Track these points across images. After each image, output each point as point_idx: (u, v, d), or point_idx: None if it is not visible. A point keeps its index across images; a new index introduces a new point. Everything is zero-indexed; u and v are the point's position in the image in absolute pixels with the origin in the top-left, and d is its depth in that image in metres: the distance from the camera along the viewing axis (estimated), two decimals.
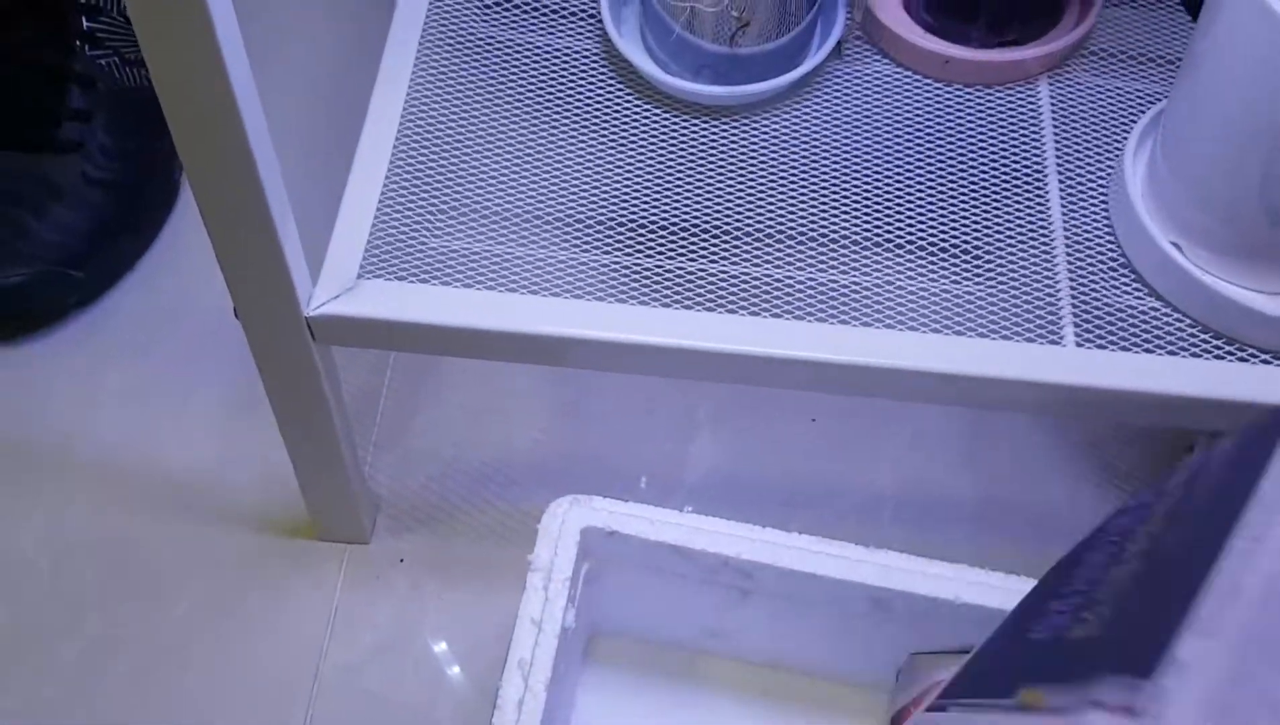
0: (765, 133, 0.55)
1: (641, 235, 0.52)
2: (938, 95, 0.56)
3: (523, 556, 0.63)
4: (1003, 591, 0.47)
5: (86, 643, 0.61)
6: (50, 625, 0.61)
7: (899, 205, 0.52)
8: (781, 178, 0.53)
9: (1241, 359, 0.48)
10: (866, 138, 0.54)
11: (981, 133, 0.54)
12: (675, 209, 0.52)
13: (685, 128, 0.55)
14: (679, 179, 0.53)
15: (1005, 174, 0.53)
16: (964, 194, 0.53)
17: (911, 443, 0.69)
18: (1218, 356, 0.48)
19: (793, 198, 0.53)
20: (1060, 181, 0.53)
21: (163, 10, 0.36)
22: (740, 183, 0.53)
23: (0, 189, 0.67)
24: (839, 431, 0.69)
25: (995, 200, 0.52)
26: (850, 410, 0.70)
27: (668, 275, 0.50)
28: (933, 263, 0.51)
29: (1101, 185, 0.53)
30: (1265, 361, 0.48)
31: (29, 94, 0.68)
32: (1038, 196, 0.52)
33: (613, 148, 0.54)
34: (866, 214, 0.52)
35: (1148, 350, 0.48)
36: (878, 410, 0.70)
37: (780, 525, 0.66)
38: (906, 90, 0.56)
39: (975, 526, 0.66)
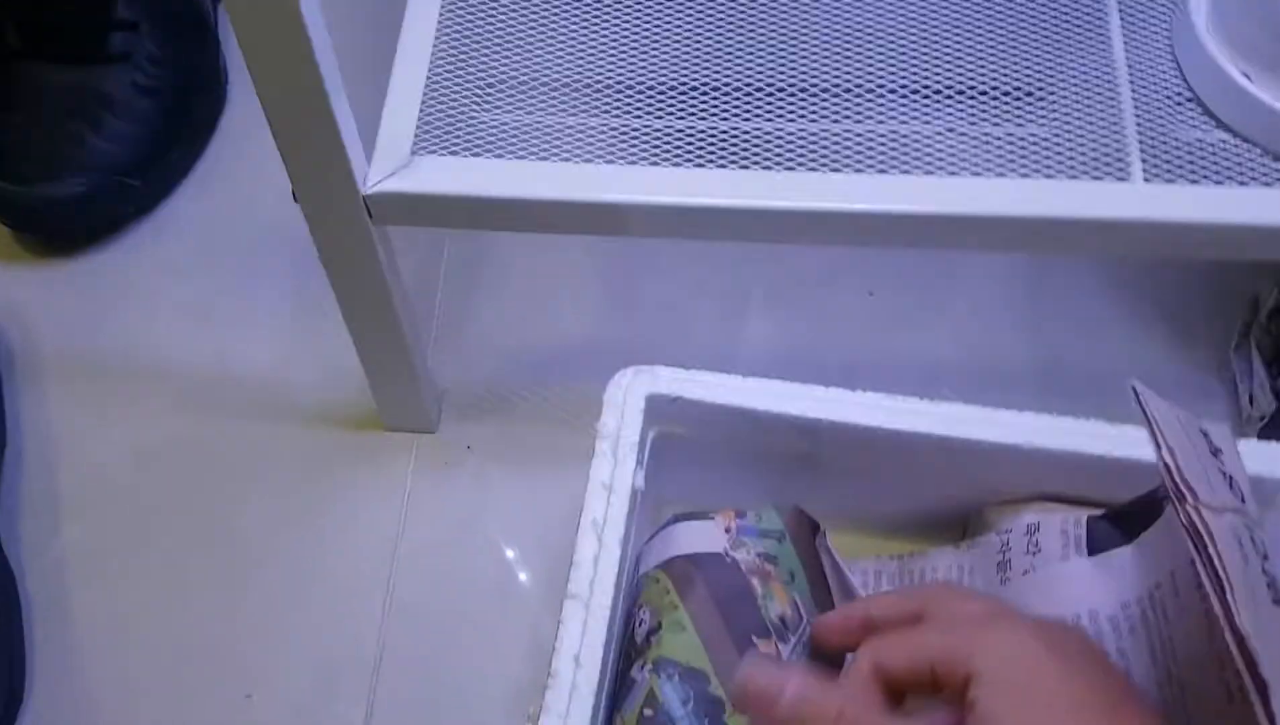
0: None
1: (694, 98, 0.51)
2: None
3: (586, 440, 0.64)
4: (1071, 434, 0.46)
5: (166, 547, 0.62)
6: (129, 532, 0.63)
7: (954, 50, 0.51)
8: (831, 30, 0.52)
9: None
10: None
11: None
12: (725, 68, 0.51)
13: None
14: (727, 37, 0.52)
15: (1064, 12, 0.52)
16: (1022, 35, 0.51)
17: (970, 312, 0.68)
18: None
19: (845, 49, 0.51)
20: (1121, 16, 0.51)
21: None
22: (790, 37, 0.52)
23: (55, 102, 0.68)
24: (896, 304, 0.69)
25: (1054, 39, 0.51)
26: (907, 281, 0.69)
27: (723, 136, 0.50)
28: (993, 107, 0.50)
29: (1164, 18, 0.51)
30: None
31: (76, 7, 0.68)
32: (1098, 33, 0.51)
33: (659, 8, 0.53)
34: (922, 61, 0.51)
35: (1218, 182, 0.47)
36: (935, 280, 0.69)
37: None
38: None
39: (1037, 392, 0.66)
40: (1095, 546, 0.45)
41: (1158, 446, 0.34)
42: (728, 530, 0.48)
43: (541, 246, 0.72)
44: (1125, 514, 0.45)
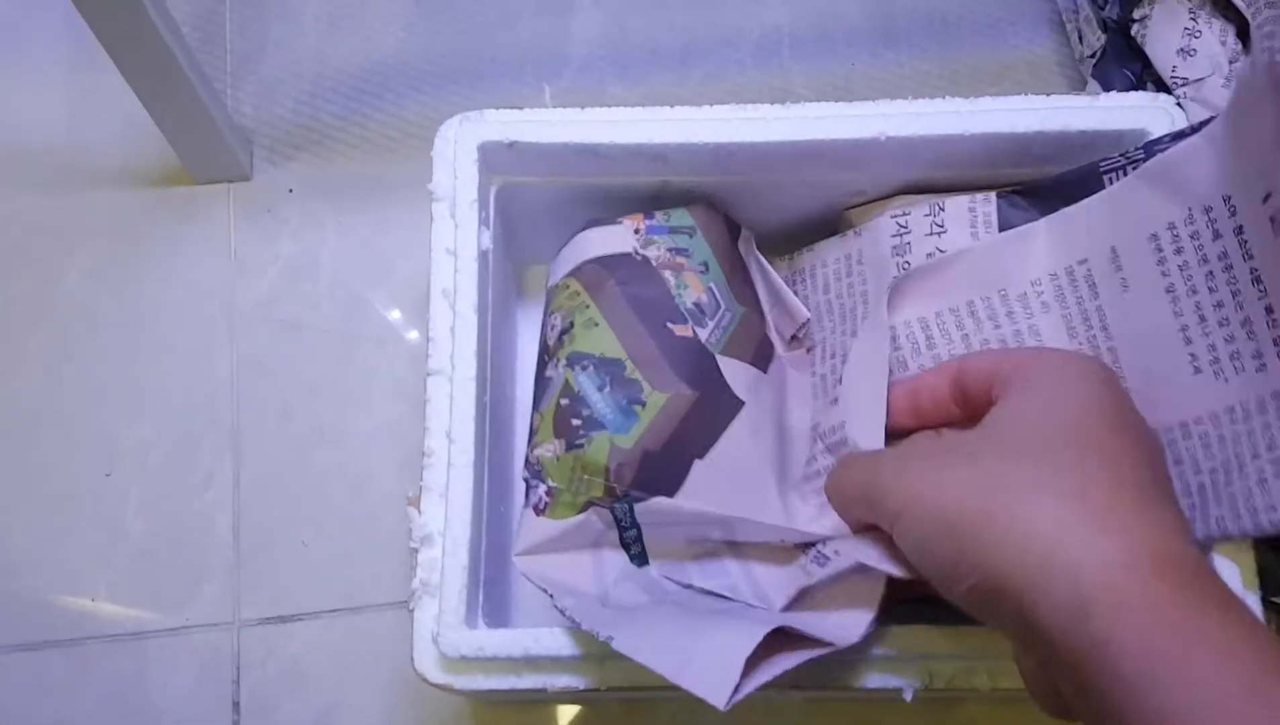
0: None
1: None
2: None
3: (412, 166, 0.59)
4: (928, 117, 0.44)
5: None
6: None
7: None
8: None
9: None
10: None
11: None
12: None
13: None
14: None
15: None
16: None
17: None
18: None
19: None
20: None
21: None
22: None
23: None
24: None
25: None
26: None
27: None
28: None
29: None
30: None
31: None
32: None
33: None
34: None
35: None
36: None
37: (679, 83, 0.63)
38: None
39: (877, 45, 0.64)
40: (1005, 223, 0.43)
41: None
42: (636, 231, 0.46)
43: None
44: (1040, 190, 0.43)
